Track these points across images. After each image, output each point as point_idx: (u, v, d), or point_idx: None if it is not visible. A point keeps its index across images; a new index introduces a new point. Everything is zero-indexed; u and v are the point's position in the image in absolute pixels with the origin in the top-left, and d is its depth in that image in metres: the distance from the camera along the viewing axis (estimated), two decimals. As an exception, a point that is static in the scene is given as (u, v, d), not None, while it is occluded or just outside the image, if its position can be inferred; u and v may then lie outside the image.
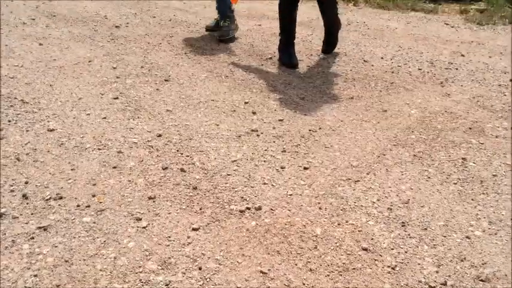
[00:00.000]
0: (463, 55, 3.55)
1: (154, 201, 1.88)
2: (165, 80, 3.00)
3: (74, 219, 1.76)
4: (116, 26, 3.97)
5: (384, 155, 2.26)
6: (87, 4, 4.57)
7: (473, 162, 2.21)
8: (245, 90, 2.92)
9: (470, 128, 2.52)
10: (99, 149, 2.21)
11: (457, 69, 3.29)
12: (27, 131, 2.33)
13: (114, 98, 2.71)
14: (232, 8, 3.72)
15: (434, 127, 2.52)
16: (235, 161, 2.18)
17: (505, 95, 2.92)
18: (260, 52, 3.54)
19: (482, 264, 1.62)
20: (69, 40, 3.59)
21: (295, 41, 3.36)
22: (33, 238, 1.66)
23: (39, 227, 1.71)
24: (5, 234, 1.68)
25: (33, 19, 4.03)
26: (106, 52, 3.39)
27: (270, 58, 3.43)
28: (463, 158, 2.24)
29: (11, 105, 2.55)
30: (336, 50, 3.57)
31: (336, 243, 1.70)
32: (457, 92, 2.95)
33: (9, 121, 2.40)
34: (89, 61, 3.21)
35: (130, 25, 4.03)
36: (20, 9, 4.30)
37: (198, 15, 4.41)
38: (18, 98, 2.63)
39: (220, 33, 3.69)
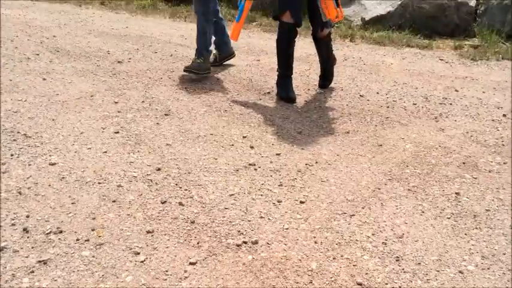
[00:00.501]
0: (457, 90, 3.63)
1: (152, 235, 1.91)
2: (165, 114, 3.07)
3: (73, 253, 1.79)
4: (118, 61, 4.07)
5: (379, 189, 2.31)
6: (91, 39, 4.69)
7: (467, 197, 2.25)
8: (243, 124, 2.98)
9: (463, 163, 2.56)
10: (99, 183, 2.25)
11: (451, 104, 3.36)
12: (29, 165, 2.37)
13: (115, 132, 2.77)
14: (209, 49, 3.76)
15: (428, 162, 2.57)
16: (232, 194, 2.22)
17: (498, 129, 2.98)
18: (259, 87, 3.62)
19: (475, 299, 1.64)
20: (72, 75, 3.68)
21: (293, 76, 3.45)
22: (33, 272, 1.69)
23: (39, 261, 1.74)
24: (5, 267, 1.70)
25: (37, 54, 4.14)
26: (108, 87, 3.47)
27: (268, 93, 3.51)
28: (456, 193, 2.28)
29: (14, 140, 2.61)
30: (332, 84, 3.65)
31: (331, 277, 1.72)
32: (451, 127, 3.01)
33: (12, 155, 2.45)
34: (91, 96, 3.28)
35: (132, 60, 4.13)
36: (24, 44, 4.41)
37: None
38: (21, 132, 2.69)
39: (190, 65, 3.69)
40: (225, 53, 4.05)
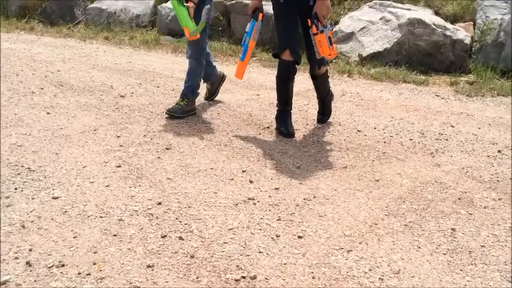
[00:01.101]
0: (452, 126, 3.70)
1: (152, 270, 1.94)
2: (166, 149, 3.13)
3: (74, 286, 1.82)
4: (121, 96, 4.16)
5: (376, 224, 2.34)
6: (94, 74, 4.80)
7: (462, 233, 2.29)
8: (243, 158, 3.04)
9: (459, 199, 2.61)
10: (101, 217, 2.29)
11: (447, 140, 3.43)
12: (32, 198, 2.42)
13: (117, 166, 2.83)
14: (196, 92, 3.81)
15: (425, 197, 2.62)
16: (231, 229, 2.26)
17: (493, 165, 3.04)
18: (258, 121, 3.70)
19: (471, 335, 1.66)
20: (76, 109, 3.77)
21: (291, 111, 3.53)
22: (34, 306, 1.71)
23: (41, 295, 1.76)
24: (7, 301, 1.73)
25: (42, 88, 4.23)
26: (111, 121, 3.55)
27: (268, 127, 3.58)
28: (452, 229, 2.31)
29: (18, 173, 2.66)
30: (331, 119, 3.73)
31: (328, 313, 1.75)
32: (447, 163, 3.07)
33: (16, 189, 2.50)
34: (94, 130, 3.35)
35: (134, 95, 4.22)
36: (29, 78, 4.52)
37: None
38: (25, 166, 2.75)
39: (172, 108, 3.72)
40: (216, 80, 4.13)
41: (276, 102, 3.53)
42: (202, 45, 3.73)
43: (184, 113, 3.72)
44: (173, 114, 3.68)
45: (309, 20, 3.21)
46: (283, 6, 3.30)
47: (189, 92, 3.76)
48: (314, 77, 3.56)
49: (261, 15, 3.40)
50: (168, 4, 6.82)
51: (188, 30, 3.38)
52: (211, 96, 4.11)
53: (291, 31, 3.33)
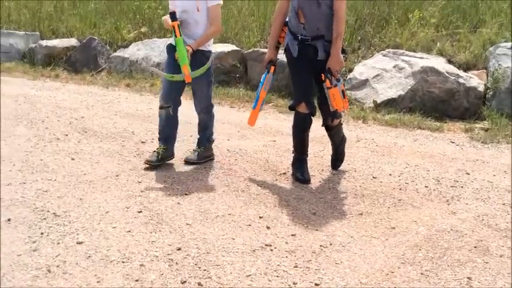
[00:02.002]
0: (468, 173, 3.74)
1: (172, 315, 1.99)
2: (185, 194, 3.22)
3: (97, 331, 1.87)
4: (142, 142, 4.30)
5: (393, 272, 2.37)
6: (117, 120, 4.96)
7: (478, 282, 2.30)
8: (260, 204, 3.11)
9: (475, 247, 2.63)
10: (123, 262, 2.36)
11: (462, 187, 3.46)
12: (58, 243, 2.51)
13: (138, 212, 2.92)
14: (212, 138, 3.89)
15: (441, 245, 2.64)
16: (249, 275, 2.30)
17: (509, 213, 3.05)
18: (274, 167, 3.78)
19: None
20: (99, 155, 3.90)
21: (307, 157, 3.62)
22: None
23: None
24: None
25: (66, 135, 4.40)
26: (132, 166, 3.67)
27: (284, 173, 3.66)
28: (468, 277, 2.33)
29: (44, 218, 2.77)
30: (346, 165, 3.80)
31: None
32: (462, 210, 3.09)
33: (42, 233, 2.60)
34: (116, 175, 3.47)
35: (155, 140, 4.34)
36: (54, 125, 4.70)
37: (217, 131, 4.73)
38: (51, 211, 2.86)
39: (189, 156, 3.82)
40: (170, 152, 3.78)
41: (292, 148, 3.62)
42: (211, 96, 3.81)
43: (203, 159, 3.82)
44: (191, 161, 3.78)
45: (322, 74, 3.32)
46: (297, 60, 3.43)
47: (205, 139, 3.86)
48: (328, 128, 3.66)
49: (273, 68, 3.55)
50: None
51: (188, 69, 3.38)
52: (156, 161, 3.66)
53: (305, 84, 3.45)
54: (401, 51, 5.98)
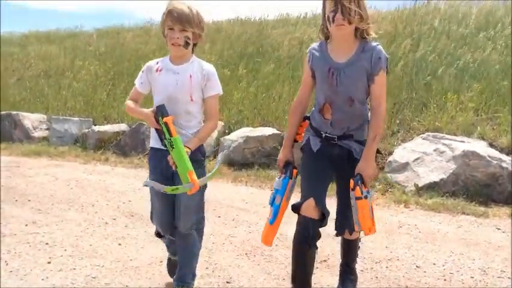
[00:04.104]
0: (516, 263, 3.62)
1: None
2: (227, 282, 3.25)
3: None
4: (185, 226, 4.41)
5: None
6: (161, 204, 5.14)
7: None
8: (301, 294, 3.09)
9: None
10: None
11: (509, 278, 3.35)
12: (103, 332, 2.58)
13: (181, 300, 2.96)
14: (195, 275, 2.98)
15: None
16: None
17: (563, 309, 2.92)
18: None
19: None
20: (144, 239, 4.03)
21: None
22: None
23: None
24: None
25: (114, 219, 4.58)
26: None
27: (325, 260, 3.65)
28: None
29: (91, 305, 2.86)
30: (388, 253, 3.75)
31: None
32: (511, 304, 2.98)
33: (89, 321, 2.68)
34: (160, 261, 3.56)
35: (197, 225, 4.47)
36: (103, 209, 4.91)
37: (258, 215, 4.81)
38: (98, 298, 2.95)
39: None
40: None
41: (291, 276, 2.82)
42: (204, 205, 2.96)
43: None
44: None
45: (351, 180, 2.56)
46: (316, 156, 2.73)
47: (189, 277, 2.91)
48: (344, 240, 2.98)
49: (295, 171, 2.81)
50: (230, 136, 7.34)
51: (195, 175, 2.54)
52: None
53: (319, 183, 2.68)
54: (441, 134, 6.02)
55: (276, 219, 2.75)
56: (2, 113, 9.54)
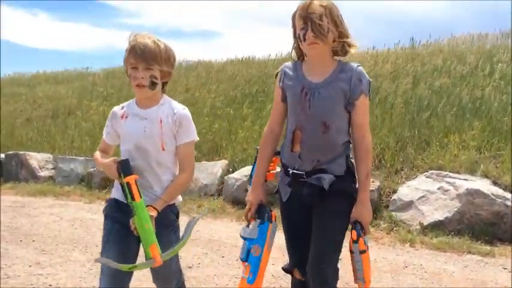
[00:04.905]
0: (524, 304, 3.57)
1: None
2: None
3: None
4: (189, 267, 4.39)
5: None
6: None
7: None
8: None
9: None
10: None
11: (518, 320, 3.31)
12: None
13: None
14: None
15: None
16: None
17: None
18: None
19: None
20: (147, 281, 4.00)
21: None
22: None
23: None
24: None
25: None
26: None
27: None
28: None
29: None
30: (394, 295, 3.71)
31: None
32: None
33: None
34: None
35: (201, 265, 4.45)
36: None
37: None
38: None
39: None
40: None
41: None
42: (180, 266, 2.71)
43: None
44: None
45: (353, 231, 2.28)
46: (288, 207, 2.43)
47: None
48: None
49: (274, 214, 2.40)
50: (234, 175, 7.37)
51: (158, 250, 2.20)
52: None
53: (299, 246, 2.42)
54: (445, 172, 6.03)
55: (257, 276, 2.29)
56: (9, 152, 9.64)
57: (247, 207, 2.47)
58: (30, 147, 10.18)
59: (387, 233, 5.55)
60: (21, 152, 9.50)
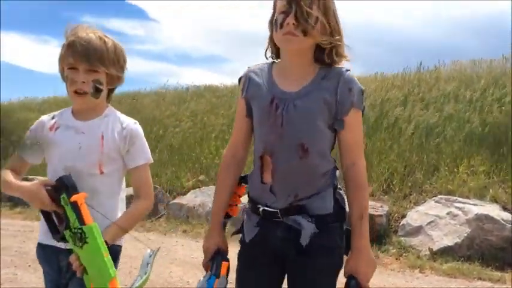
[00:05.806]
0: (536, 332, 3.51)
1: None
2: None
3: None
4: (197, 292, 4.37)
5: None
6: (173, 269, 5.11)
7: None
8: None
9: None
10: None
11: None
12: None
13: None
14: None
15: None
16: None
17: None
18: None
19: None
20: (155, 307, 3.99)
21: None
22: None
23: None
24: None
25: (126, 285, 4.55)
26: (186, 320, 3.71)
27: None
28: None
29: None
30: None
31: None
32: None
33: None
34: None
35: (209, 291, 4.42)
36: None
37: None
38: None
39: None
40: None
41: None
42: None
43: None
44: None
45: None
46: (250, 251, 1.83)
47: None
48: None
49: (225, 266, 1.80)
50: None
51: (118, 286, 1.81)
52: None
53: None
54: (454, 197, 5.99)
55: None
56: (19, 177, 9.71)
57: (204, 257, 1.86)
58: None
59: (396, 259, 5.49)
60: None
